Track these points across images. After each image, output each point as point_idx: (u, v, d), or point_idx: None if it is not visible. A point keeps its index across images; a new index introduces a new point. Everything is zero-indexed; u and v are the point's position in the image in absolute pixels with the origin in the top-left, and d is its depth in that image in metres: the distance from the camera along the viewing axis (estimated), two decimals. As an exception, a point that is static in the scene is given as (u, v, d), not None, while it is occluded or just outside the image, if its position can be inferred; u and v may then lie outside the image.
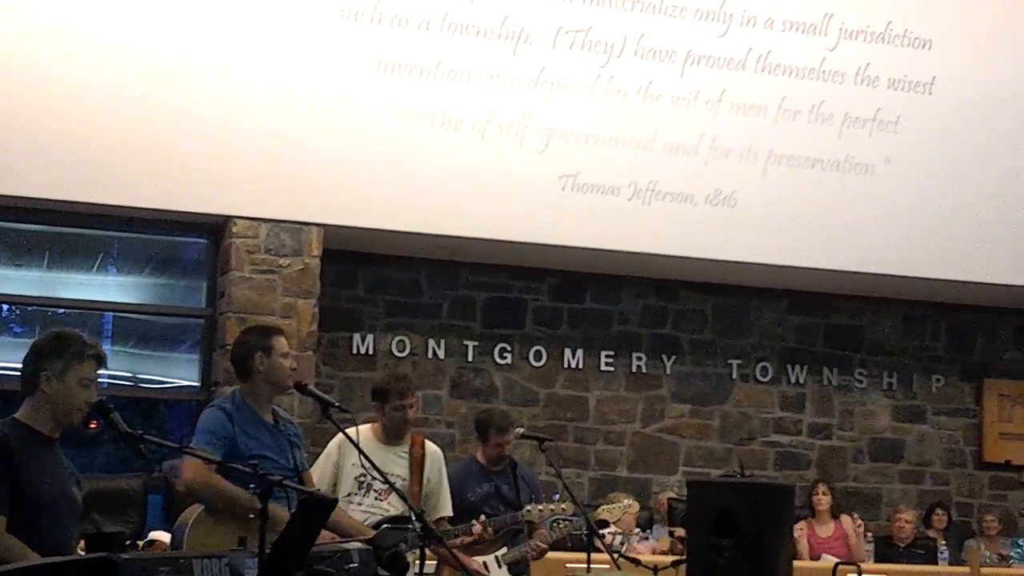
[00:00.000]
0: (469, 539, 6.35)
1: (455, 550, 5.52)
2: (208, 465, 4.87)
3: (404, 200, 9.27)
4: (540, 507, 6.64)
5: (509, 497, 6.76)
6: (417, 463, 6.19)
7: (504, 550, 6.68)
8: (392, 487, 5.41)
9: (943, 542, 10.19)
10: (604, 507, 7.34)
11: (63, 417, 4.34)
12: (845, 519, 9.96)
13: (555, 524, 6.92)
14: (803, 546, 9.64)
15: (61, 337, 4.41)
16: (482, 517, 6.44)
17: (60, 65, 8.62)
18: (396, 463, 6.08)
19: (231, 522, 4.84)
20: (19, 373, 4.41)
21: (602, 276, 10.64)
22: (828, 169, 10.17)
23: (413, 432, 6.39)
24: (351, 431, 5.47)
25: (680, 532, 8.71)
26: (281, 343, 5.43)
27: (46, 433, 4.32)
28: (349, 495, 6.01)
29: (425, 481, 6.21)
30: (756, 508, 4.43)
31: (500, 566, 6.64)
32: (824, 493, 9.93)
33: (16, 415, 4.33)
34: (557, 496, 6.97)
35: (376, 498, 6.06)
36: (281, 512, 4.37)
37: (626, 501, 7.51)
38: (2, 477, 4.02)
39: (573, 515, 6.88)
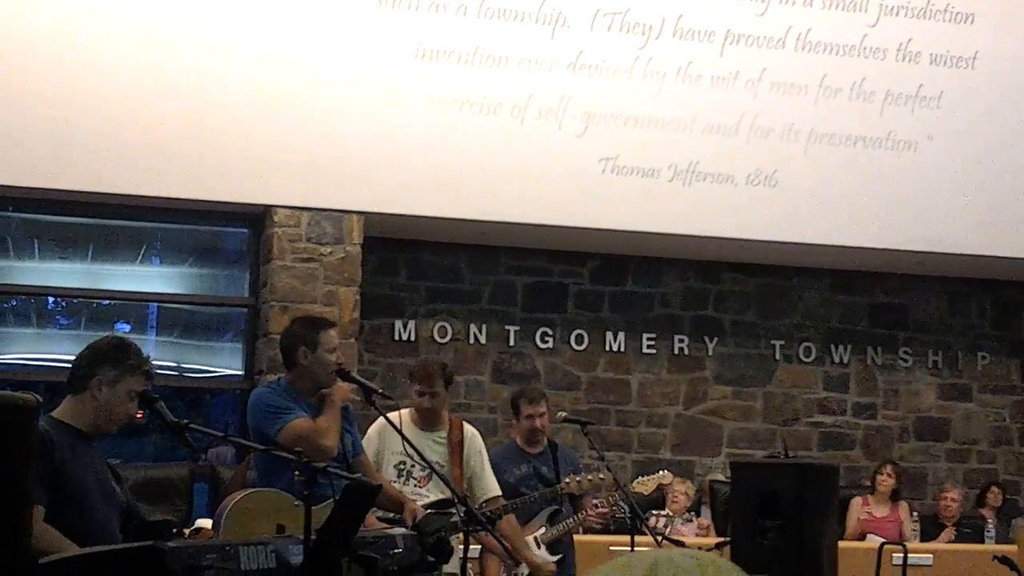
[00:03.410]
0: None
1: (498, 534, 5.52)
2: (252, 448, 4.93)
3: (444, 186, 9.28)
4: (579, 478, 6.65)
5: (549, 478, 6.77)
6: (456, 447, 6.20)
7: (543, 530, 6.69)
8: (435, 472, 5.43)
9: (992, 521, 10.12)
10: (638, 480, 7.35)
11: (103, 423, 4.36)
12: (903, 505, 9.89)
13: (600, 502, 6.90)
14: (854, 521, 9.59)
15: (122, 346, 4.41)
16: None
17: (100, 58, 8.67)
18: (434, 449, 6.08)
19: (267, 511, 4.88)
20: (71, 367, 4.41)
21: (643, 258, 10.61)
22: (870, 147, 10.09)
23: (451, 415, 6.41)
24: (392, 416, 5.50)
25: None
26: (329, 338, 5.43)
27: (85, 431, 4.34)
28: (389, 483, 6.03)
29: (465, 464, 6.22)
30: (800, 489, 4.42)
31: (539, 547, 6.66)
32: (889, 475, 9.83)
33: (53, 413, 4.33)
34: (597, 464, 6.96)
35: (416, 485, 6.08)
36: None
37: (660, 472, 7.50)
38: (41, 469, 4.00)
39: (620, 501, 6.88)
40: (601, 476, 6.75)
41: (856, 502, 9.76)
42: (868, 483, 10.01)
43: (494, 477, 6.38)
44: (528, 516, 6.68)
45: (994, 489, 10.56)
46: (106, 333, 9.51)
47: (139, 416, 4.77)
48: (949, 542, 9.73)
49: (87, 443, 4.35)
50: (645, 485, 7.25)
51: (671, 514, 9.20)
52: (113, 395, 4.31)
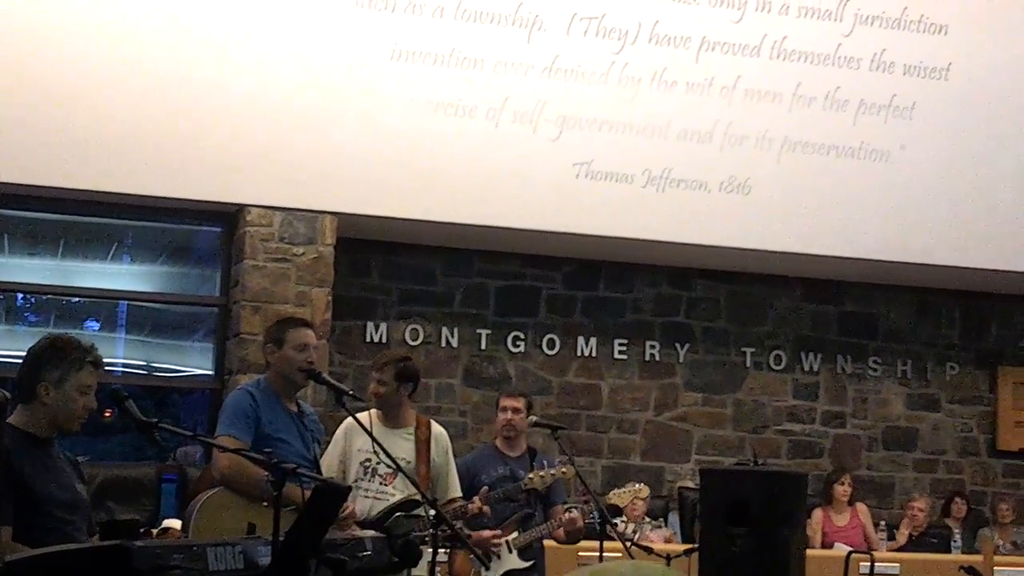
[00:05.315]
0: (474, 510, 6.31)
1: (463, 531, 5.52)
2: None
3: (418, 188, 9.26)
4: (541, 473, 6.63)
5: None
6: (423, 445, 6.19)
7: (515, 535, 6.69)
8: (400, 470, 5.42)
9: (959, 531, 10.18)
10: (614, 492, 7.35)
11: (64, 423, 4.30)
12: (860, 507, 9.96)
13: (569, 510, 6.88)
14: (818, 535, 9.63)
15: (58, 344, 4.34)
16: (483, 489, 6.41)
17: (73, 54, 8.62)
18: (401, 446, 6.05)
19: (238, 508, 4.87)
20: (16, 376, 4.35)
21: (616, 264, 10.62)
22: (843, 156, 10.13)
23: (418, 414, 6.41)
24: (360, 417, 5.50)
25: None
26: (297, 335, 5.44)
27: (42, 436, 4.28)
28: (356, 480, 6.02)
29: (432, 463, 6.21)
30: (769, 497, 4.41)
31: (511, 551, 6.65)
32: (850, 485, 9.91)
33: (9, 419, 4.20)
34: (557, 462, 6.94)
35: (381, 483, 6.07)
36: (295, 491, 4.35)
37: (636, 485, 7.50)
38: (4, 486, 3.93)
39: (585, 502, 6.87)
40: (564, 471, 6.72)
41: (817, 514, 9.77)
42: (821, 494, 10.01)
43: (457, 479, 6.38)
44: (499, 520, 6.67)
45: (957, 500, 10.62)
46: (75, 331, 9.49)
47: (108, 414, 4.75)
48: (907, 543, 9.79)
49: (45, 448, 4.30)
50: (621, 497, 7.24)
51: (646, 520, 9.20)
52: (62, 396, 4.25)
